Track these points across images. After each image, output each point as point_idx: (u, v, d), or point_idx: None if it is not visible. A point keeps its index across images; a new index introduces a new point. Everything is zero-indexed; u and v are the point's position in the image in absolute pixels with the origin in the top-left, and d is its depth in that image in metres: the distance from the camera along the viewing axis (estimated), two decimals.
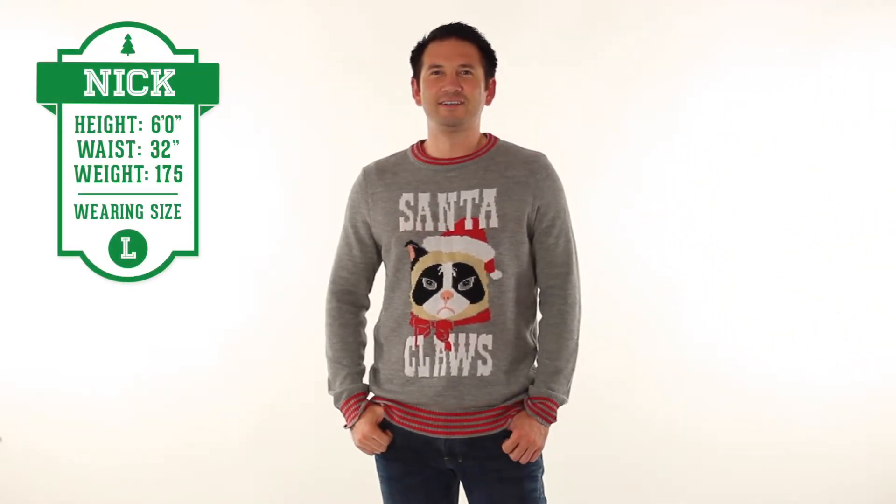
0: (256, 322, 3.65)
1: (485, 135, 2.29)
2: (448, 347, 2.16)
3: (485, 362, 2.16)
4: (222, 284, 3.64)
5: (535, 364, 2.25)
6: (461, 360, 2.16)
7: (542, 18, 3.66)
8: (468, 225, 2.17)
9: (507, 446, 2.16)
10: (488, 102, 2.29)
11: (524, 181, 2.19)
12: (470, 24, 2.28)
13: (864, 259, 3.69)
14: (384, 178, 2.26)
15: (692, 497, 3.67)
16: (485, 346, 2.16)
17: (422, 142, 2.31)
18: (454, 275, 2.16)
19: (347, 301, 2.31)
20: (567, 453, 3.59)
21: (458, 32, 2.23)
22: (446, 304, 2.16)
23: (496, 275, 2.16)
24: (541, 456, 2.24)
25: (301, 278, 3.64)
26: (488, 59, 2.26)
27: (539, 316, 2.28)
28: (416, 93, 2.27)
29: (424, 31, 2.28)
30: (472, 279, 2.16)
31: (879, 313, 3.69)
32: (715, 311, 3.69)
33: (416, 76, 2.27)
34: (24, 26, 3.58)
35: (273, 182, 3.66)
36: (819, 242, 3.69)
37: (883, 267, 3.70)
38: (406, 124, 3.53)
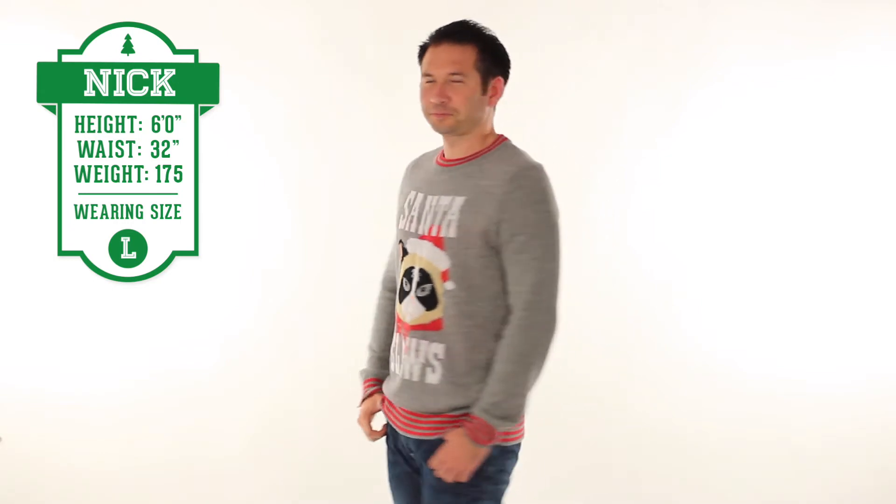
0: (257, 322, 3.65)
1: (499, 137, 2.19)
2: (406, 350, 2.16)
3: (434, 370, 2.11)
4: (222, 285, 3.64)
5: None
6: (412, 365, 2.14)
7: (539, 17, 3.65)
8: (434, 231, 2.11)
9: (434, 462, 2.10)
10: (492, 103, 2.15)
11: (492, 192, 2.05)
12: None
13: (864, 259, 3.69)
14: (409, 173, 2.30)
15: (691, 497, 3.67)
16: (435, 355, 2.11)
17: None
18: (418, 280, 2.14)
19: (388, 287, 2.35)
20: (566, 454, 3.59)
21: (452, 36, 2.11)
22: (408, 308, 2.16)
23: (449, 285, 2.09)
24: (495, 485, 2.11)
25: (302, 278, 3.65)
26: (492, 58, 2.12)
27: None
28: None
29: (424, 31, 2.24)
30: (429, 286, 2.12)
31: (879, 313, 3.69)
32: (713, 311, 3.69)
33: None
34: (24, 26, 3.57)
35: (273, 182, 3.65)
36: (819, 242, 3.69)
37: (883, 267, 3.70)
38: (406, 124, 3.57)
